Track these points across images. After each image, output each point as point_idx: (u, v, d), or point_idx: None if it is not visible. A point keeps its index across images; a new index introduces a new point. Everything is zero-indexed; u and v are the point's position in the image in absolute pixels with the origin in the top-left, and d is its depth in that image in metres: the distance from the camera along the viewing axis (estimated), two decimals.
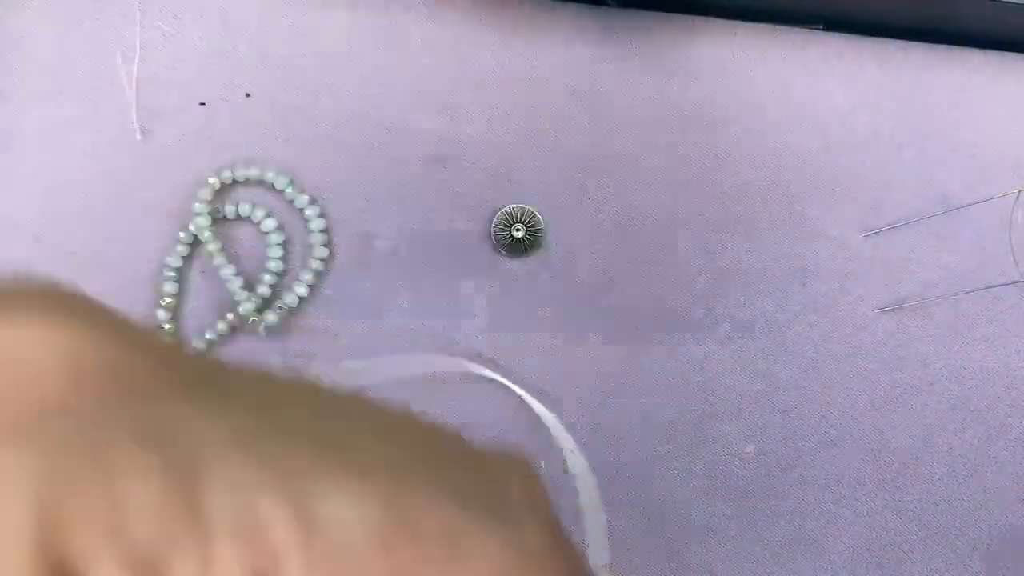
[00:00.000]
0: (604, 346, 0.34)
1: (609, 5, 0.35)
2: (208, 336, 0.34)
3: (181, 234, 0.34)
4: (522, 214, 0.34)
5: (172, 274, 0.34)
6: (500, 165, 0.35)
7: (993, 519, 0.35)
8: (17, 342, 0.16)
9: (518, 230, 0.34)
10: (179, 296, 0.34)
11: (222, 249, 0.34)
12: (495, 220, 0.34)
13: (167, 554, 0.15)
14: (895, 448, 0.34)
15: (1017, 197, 0.35)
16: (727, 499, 0.34)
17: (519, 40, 0.35)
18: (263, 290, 0.34)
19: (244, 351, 0.34)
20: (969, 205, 0.35)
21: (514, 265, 0.35)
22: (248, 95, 0.34)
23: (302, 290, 0.34)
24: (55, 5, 0.34)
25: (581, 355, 0.34)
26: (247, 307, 0.34)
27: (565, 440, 0.22)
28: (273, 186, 0.34)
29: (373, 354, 0.34)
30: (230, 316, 0.34)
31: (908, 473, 0.34)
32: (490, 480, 0.18)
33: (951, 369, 0.35)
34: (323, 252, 0.34)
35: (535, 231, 0.34)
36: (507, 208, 0.34)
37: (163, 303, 0.34)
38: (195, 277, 0.34)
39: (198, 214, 0.34)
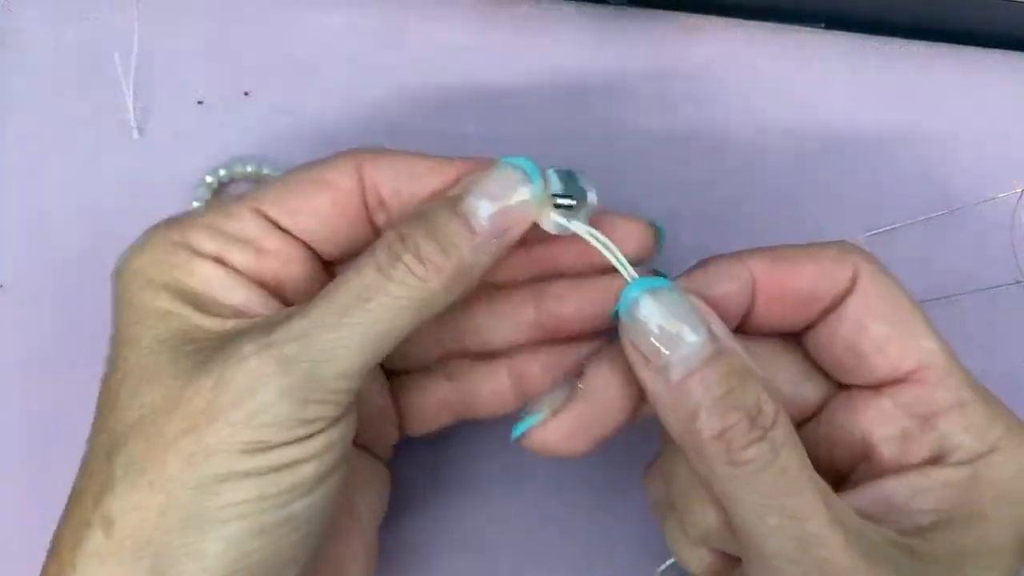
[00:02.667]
0: None
1: (610, 3, 0.35)
2: None
3: None
4: None
5: None
6: None
7: None
8: None
9: None
10: None
11: None
12: None
13: None
14: None
15: (1019, 197, 0.35)
16: None
17: (519, 39, 0.35)
18: None
19: None
20: (971, 205, 0.35)
21: None
22: (246, 94, 0.34)
23: None
24: (53, 3, 0.34)
25: None
26: None
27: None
28: None
29: None
30: None
31: None
32: None
33: None
34: None
35: None
36: None
37: None
38: None
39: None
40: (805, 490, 0.22)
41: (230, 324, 0.24)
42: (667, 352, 0.23)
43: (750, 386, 0.22)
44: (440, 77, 0.35)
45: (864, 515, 0.23)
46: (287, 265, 0.26)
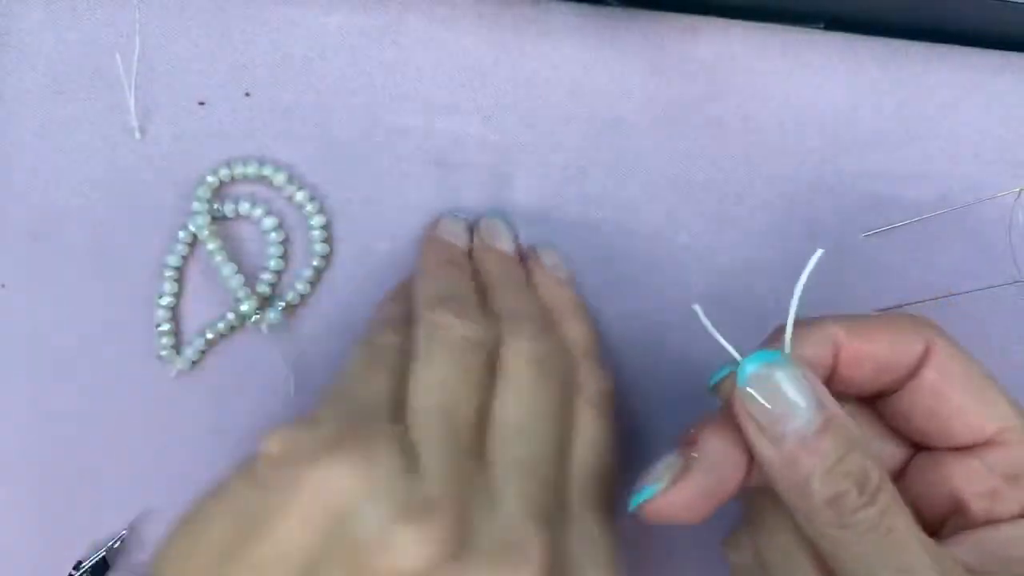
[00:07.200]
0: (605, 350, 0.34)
1: (610, 4, 0.35)
2: (208, 336, 0.34)
3: (180, 233, 0.34)
4: None
5: (171, 274, 0.34)
6: (500, 165, 0.35)
7: None
8: None
9: None
10: (178, 296, 0.34)
11: (221, 248, 0.34)
12: None
13: None
14: None
15: (1017, 196, 0.35)
16: None
17: (519, 39, 0.35)
18: (263, 289, 0.34)
19: (244, 350, 0.34)
20: (970, 205, 0.35)
21: None
22: (247, 94, 0.34)
23: (303, 287, 0.34)
24: (54, 4, 0.34)
25: None
26: (247, 306, 0.33)
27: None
28: (272, 183, 0.34)
29: None
30: (230, 315, 0.34)
31: None
32: None
33: None
34: (323, 249, 0.34)
35: None
36: None
37: (162, 303, 0.34)
38: (194, 276, 0.34)
39: (197, 213, 0.33)
40: (911, 546, 0.23)
41: None
42: (781, 423, 0.24)
43: (857, 453, 0.24)
44: (440, 77, 0.35)
45: (963, 565, 0.24)
46: None
